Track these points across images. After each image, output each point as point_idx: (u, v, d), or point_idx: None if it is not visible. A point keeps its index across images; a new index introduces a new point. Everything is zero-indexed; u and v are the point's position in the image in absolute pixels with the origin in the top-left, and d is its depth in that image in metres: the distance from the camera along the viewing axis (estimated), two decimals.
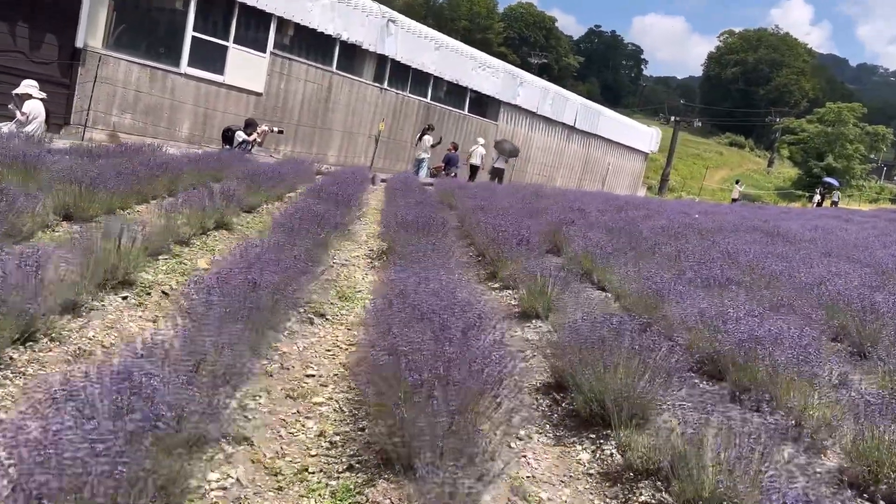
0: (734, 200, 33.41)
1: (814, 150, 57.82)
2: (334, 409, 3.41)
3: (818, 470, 3.44)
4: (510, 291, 6.48)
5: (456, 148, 18.81)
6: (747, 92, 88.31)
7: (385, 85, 19.38)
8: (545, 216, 10.24)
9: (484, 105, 23.46)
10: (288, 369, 3.73)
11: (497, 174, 20.76)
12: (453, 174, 18.20)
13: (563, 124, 27.03)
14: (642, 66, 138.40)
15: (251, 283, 3.54)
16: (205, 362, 2.59)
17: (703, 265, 7.45)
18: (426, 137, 17.83)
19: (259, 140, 13.74)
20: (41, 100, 9.71)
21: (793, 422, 3.71)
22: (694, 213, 15.60)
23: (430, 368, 2.71)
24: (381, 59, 19.03)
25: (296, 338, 4.20)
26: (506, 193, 14.80)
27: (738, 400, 4.29)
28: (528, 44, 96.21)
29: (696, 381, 4.67)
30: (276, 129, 14.15)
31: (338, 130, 18.38)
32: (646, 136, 33.33)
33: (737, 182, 37.45)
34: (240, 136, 13.31)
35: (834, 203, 33.47)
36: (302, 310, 4.67)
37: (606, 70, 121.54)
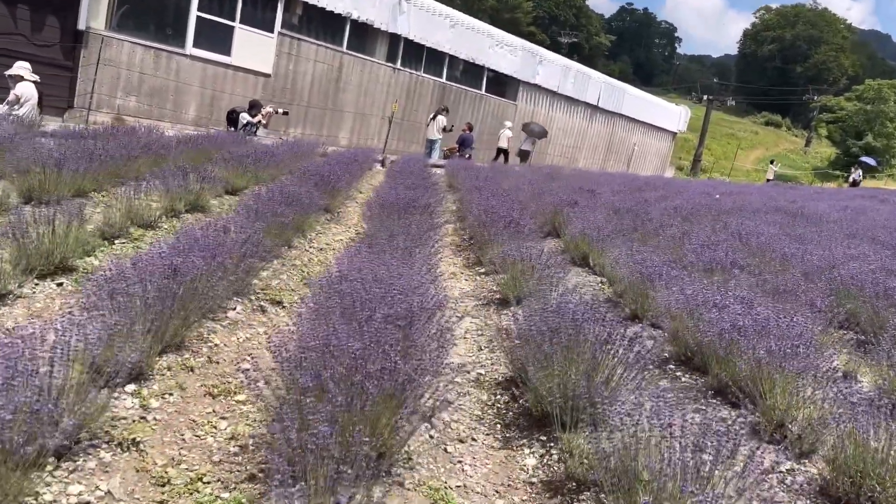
0: (769, 181, 32.36)
1: (852, 129, 55.98)
2: (259, 409, 3.11)
3: (798, 479, 3.06)
4: (495, 277, 6.12)
5: (471, 129, 18.34)
6: (784, 70, 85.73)
7: (398, 65, 18.97)
8: (550, 197, 9.82)
9: (502, 84, 22.90)
10: (216, 363, 3.44)
11: (524, 156, 20.46)
12: (468, 155, 17.76)
13: (586, 103, 26.31)
14: (676, 45, 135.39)
15: (172, 268, 3.24)
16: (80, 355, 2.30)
17: (708, 248, 7.00)
18: (440, 118, 17.40)
19: (264, 122, 13.49)
20: (34, 82, 9.56)
21: (763, 422, 3.33)
22: (716, 193, 14.97)
23: (331, 367, 2.38)
24: (394, 38, 18.61)
25: (237, 328, 3.90)
26: (517, 175, 14.37)
27: (715, 397, 3.90)
28: (558, 23, 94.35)
29: (679, 374, 4.29)
30: (280, 110, 13.88)
31: (349, 112, 18.06)
32: (673, 114, 32.38)
33: (771, 162, 36.24)
34: (244, 117, 13.07)
35: (854, 183, 32.09)
36: (254, 297, 4.38)
37: (639, 49, 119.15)
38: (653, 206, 11.06)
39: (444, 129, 17.34)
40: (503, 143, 20.10)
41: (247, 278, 4.23)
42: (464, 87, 21.28)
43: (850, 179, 35.30)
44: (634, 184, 15.58)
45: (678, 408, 3.75)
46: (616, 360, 3.11)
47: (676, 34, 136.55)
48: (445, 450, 2.97)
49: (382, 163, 14.36)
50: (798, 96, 76.45)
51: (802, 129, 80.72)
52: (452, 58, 20.52)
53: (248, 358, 3.61)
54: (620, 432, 2.36)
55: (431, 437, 3.03)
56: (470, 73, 21.46)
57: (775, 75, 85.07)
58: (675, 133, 33.12)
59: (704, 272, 6.33)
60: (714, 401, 3.82)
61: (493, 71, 21.96)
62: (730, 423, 3.54)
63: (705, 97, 58.41)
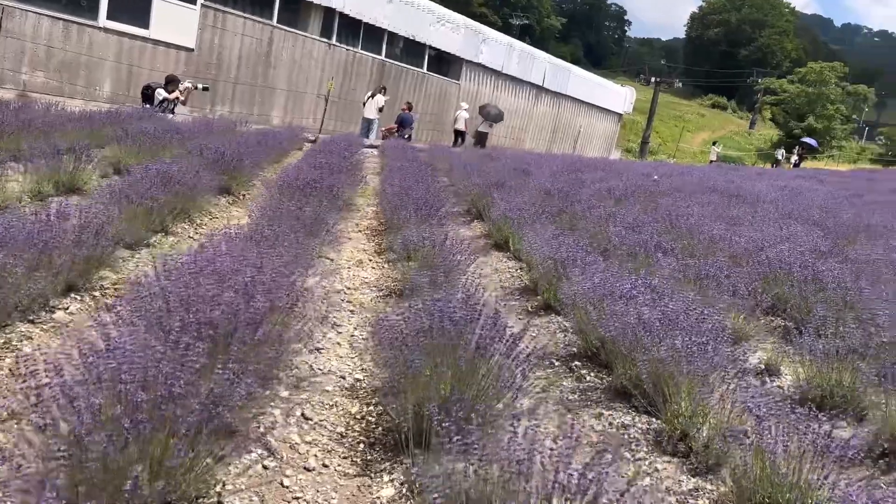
0: (712, 162, 32.65)
1: (795, 111, 56.96)
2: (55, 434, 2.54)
3: (700, 502, 2.64)
4: (401, 265, 5.60)
5: (410, 108, 17.74)
6: (730, 53, 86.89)
7: (334, 40, 18.19)
8: (479, 178, 9.33)
9: (445, 63, 22.29)
10: (21, 378, 2.83)
11: (481, 138, 20.64)
12: (407, 136, 17.18)
13: (531, 84, 25.89)
14: (626, 28, 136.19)
15: None
16: None
17: (635, 231, 6.61)
18: (377, 97, 16.72)
19: (182, 98, 12.65)
20: None
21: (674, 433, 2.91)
22: (655, 174, 14.72)
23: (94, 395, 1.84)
24: (329, 13, 17.80)
25: (63, 332, 3.30)
26: (453, 155, 13.87)
27: (618, 400, 3.48)
28: (509, 4, 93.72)
29: (585, 372, 3.85)
30: (200, 85, 13.04)
31: (282, 89, 17.26)
32: (619, 96, 32.23)
33: (714, 144, 36.66)
34: (160, 93, 12.22)
35: (776, 162, 32.66)
36: (99, 293, 3.77)
37: (590, 31, 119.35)
38: (588, 187, 10.69)
39: (380, 110, 16.68)
40: (460, 126, 20.08)
41: (87, 272, 3.63)
42: (404, 65, 20.62)
43: (794, 161, 35.88)
44: (575, 165, 15.22)
45: (575, 413, 3.32)
46: (490, 367, 2.63)
47: (626, 17, 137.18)
48: (282, 483, 2.45)
49: (315, 142, 13.69)
50: (743, 79, 77.67)
51: (747, 112, 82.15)
52: (392, 34, 19.83)
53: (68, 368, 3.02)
54: (473, 463, 1.87)
55: (266, 467, 2.50)
56: (411, 50, 20.80)
57: (721, 58, 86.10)
58: (621, 114, 33.06)
59: (628, 256, 5.95)
60: (618, 404, 3.39)
61: (434, 49, 21.33)
62: (630, 435, 3.12)
63: (653, 79, 58.79)
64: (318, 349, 3.71)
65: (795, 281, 5.23)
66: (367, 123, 16.62)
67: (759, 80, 69.66)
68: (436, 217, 6.15)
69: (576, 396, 3.55)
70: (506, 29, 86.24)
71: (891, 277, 5.75)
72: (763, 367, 4.15)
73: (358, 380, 3.47)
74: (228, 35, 15.60)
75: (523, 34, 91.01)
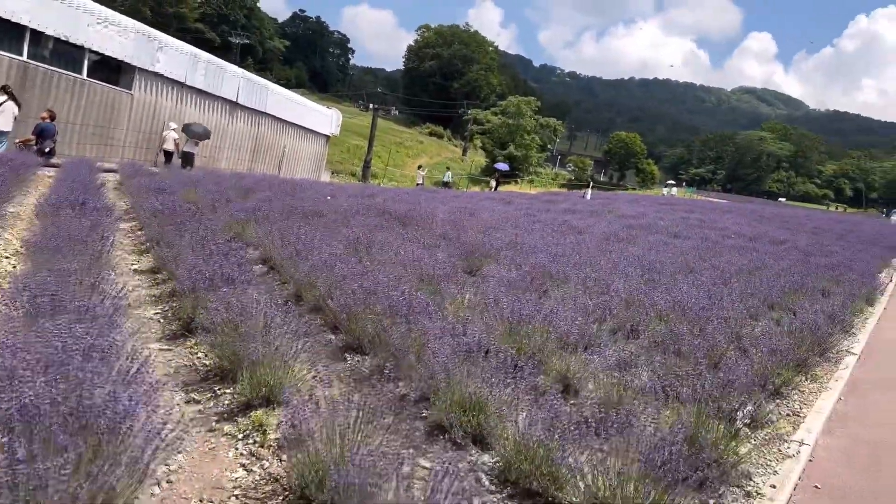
0: (419, 185, 33.64)
1: (499, 140, 61.82)
2: None
3: None
4: None
5: (53, 117, 14.95)
6: (444, 85, 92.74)
7: None
8: (71, 195, 7.54)
9: (112, 70, 19.52)
10: None
11: (187, 158, 19.80)
12: (48, 149, 14.42)
13: (224, 99, 23.95)
14: (349, 56, 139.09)
15: None
16: None
17: (225, 257, 5.44)
18: (8, 104, 13.74)
19: None
20: None
21: None
22: (330, 196, 13.95)
23: None
24: None
25: None
26: (88, 172, 11.72)
27: None
28: (228, 22, 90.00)
29: None
30: None
31: None
32: (325, 117, 31.58)
33: (419, 168, 38.03)
34: None
35: (445, 185, 35.82)
36: None
37: (314, 56, 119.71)
38: (231, 206, 9.43)
39: (15, 118, 13.74)
40: (169, 146, 19.67)
41: None
42: (56, 69, 17.55)
43: (493, 186, 38.57)
44: (246, 185, 13.84)
45: None
46: None
47: (349, 45, 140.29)
48: None
49: None
50: (455, 110, 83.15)
51: (461, 140, 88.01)
52: (36, 33, 16.73)
53: None
54: None
55: None
56: (65, 53, 17.79)
57: (436, 90, 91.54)
58: (329, 136, 32.45)
59: (205, 290, 4.73)
60: None
61: (97, 53, 18.53)
62: None
63: (371, 106, 60.13)
64: None
65: (377, 313, 4.42)
66: None
67: (468, 112, 74.94)
68: None
69: None
70: (225, 48, 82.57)
71: (492, 301, 5.27)
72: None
73: None
74: None
75: (244, 54, 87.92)
